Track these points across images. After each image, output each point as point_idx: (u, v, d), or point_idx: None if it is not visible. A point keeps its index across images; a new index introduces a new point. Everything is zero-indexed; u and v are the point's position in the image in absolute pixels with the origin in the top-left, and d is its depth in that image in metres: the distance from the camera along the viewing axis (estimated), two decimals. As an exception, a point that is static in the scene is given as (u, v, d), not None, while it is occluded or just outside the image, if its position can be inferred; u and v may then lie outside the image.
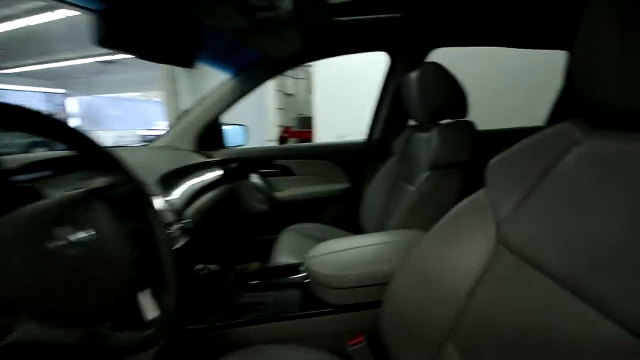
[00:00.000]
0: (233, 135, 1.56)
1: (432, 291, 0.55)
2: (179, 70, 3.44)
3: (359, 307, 0.73)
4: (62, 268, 0.38)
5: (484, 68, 2.17)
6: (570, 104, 1.55)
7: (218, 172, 1.33)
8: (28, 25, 4.87)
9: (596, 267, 0.34)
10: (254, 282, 0.90)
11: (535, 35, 1.45)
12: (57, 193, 0.46)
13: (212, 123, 1.42)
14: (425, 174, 1.00)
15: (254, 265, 1.52)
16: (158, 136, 1.41)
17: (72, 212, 0.43)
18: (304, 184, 1.61)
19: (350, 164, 1.62)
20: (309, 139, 4.60)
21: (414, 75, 1.06)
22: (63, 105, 10.18)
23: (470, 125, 1.02)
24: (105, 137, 9.21)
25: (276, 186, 1.59)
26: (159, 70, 3.95)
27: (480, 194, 0.55)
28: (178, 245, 0.73)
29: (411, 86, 1.09)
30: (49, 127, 0.42)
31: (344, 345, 0.72)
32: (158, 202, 0.76)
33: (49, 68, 7.90)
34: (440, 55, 1.33)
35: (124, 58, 6.66)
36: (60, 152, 0.61)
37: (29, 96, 9.33)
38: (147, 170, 0.87)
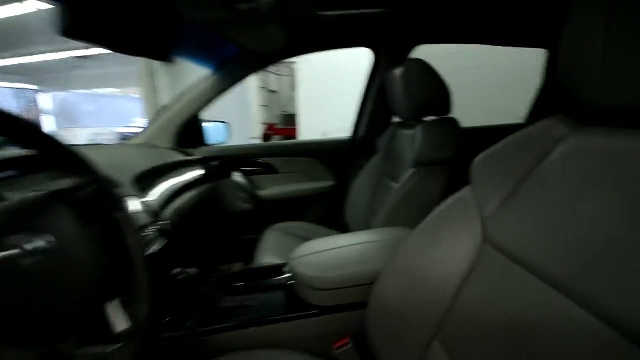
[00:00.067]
0: (214, 132, 1.52)
1: (419, 291, 0.55)
2: (158, 66, 3.33)
3: (345, 308, 0.72)
4: (16, 281, 0.34)
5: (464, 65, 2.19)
6: (549, 102, 1.58)
7: (199, 171, 1.28)
8: (-2, 18, 4.62)
9: (584, 264, 0.34)
10: (237, 284, 0.87)
11: (516, 33, 1.47)
12: (16, 196, 0.42)
13: (192, 120, 1.37)
14: (409, 172, 0.99)
15: (238, 266, 1.48)
16: (135, 134, 1.34)
17: (30, 217, 0.39)
18: (288, 182, 1.58)
19: (334, 162, 1.61)
20: (293, 137, 4.57)
21: (398, 72, 1.05)
22: (35, 101, 9.72)
23: (454, 122, 1.02)
24: (81, 135, 8.87)
25: (259, 185, 1.56)
26: (137, 65, 3.81)
27: (465, 191, 0.55)
28: (154, 249, 0.70)
29: (395, 83, 1.08)
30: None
31: (329, 347, 0.71)
32: (132, 204, 0.72)
33: (21, 63, 7.53)
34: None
35: (100, 53, 6.42)
36: (24, 152, 0.56)
37: (-2, 92, 8.86)
38: (122, 169, 0.82)
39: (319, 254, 0.77)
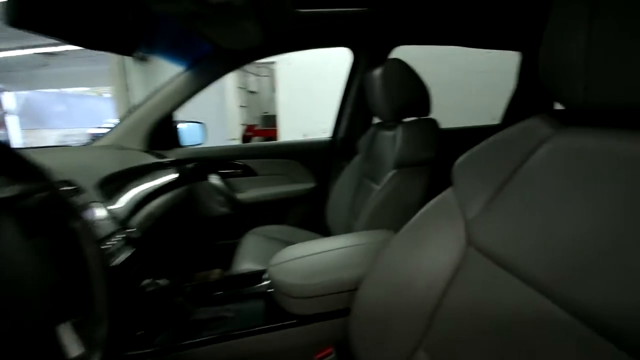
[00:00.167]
0: (189, 133, 1.45)
1: (402, 296, 0.53)
2: (130, 64, 3.19)
3: (327, 316, 0.69)
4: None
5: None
6: (524, 104, 1.63)
7: (172, 174, 1.22)
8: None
9: (570, 267, 0.33)
10: (212, 294, 0.82)
11: (491, 36, 1.50)
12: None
13: (164, 120, 1.30)
14: (390, 173, 0.98)
15: (216, 273, 1.42)
16: (102, 134, 1.26)
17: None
18: (268, 184, 1.54)
19: (315, 163, 1.58)
20: (273, 138, 4.52)
21: (377, 72, 1.04)
22: (-2, 101, 9.13)
23: (434, 122, 1.02)
24: (49, 137, 8.42)
25: (238, 187, 1.51)
26: (109, 63, 3.64)
27: (447, 193, 0.54)
28: (120, 259, 0.64)
29: (374, 83, 1.06)
30: None
31: (311, 358, 0.68)
32: (95, 210, 0.67)
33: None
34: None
35: (67, 50, 6.12)
36: None
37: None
38: (85, 173, 0.77)
39: (298, 259, 0.74)
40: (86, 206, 0.65)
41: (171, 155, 1.33)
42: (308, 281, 0.68)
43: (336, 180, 1.37)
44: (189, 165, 1.40)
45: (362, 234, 0.92)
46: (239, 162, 1.51)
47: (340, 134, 1.56)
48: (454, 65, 2.36)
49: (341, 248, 0.79)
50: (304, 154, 1.58)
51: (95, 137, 1.27)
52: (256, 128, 5.22)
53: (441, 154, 0.96)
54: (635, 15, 0.30)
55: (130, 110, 1.30)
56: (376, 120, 1.27)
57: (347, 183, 1.30)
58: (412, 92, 1.02)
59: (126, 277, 0.65)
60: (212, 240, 1.52)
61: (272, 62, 4.15)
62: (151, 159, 1.16)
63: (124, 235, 0.69)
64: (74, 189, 0.66)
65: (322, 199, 1.47)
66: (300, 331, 0.69)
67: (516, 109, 1.68)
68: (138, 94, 3.19)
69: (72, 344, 0.37)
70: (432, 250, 0.52)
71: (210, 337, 0.67)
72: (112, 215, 0.71)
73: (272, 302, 0.72)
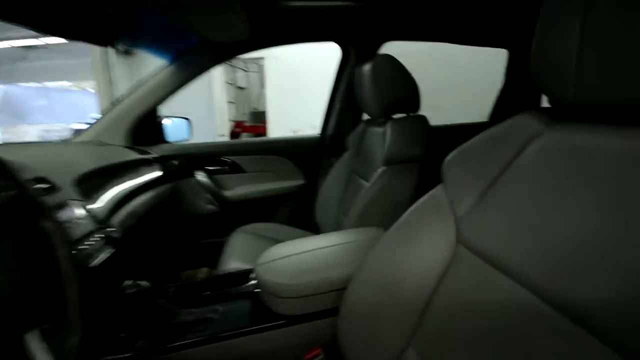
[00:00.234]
0: (174, 129, 1.41)
1: (392, 296, 0.53)
2: (113, 57, 3.10)
3: (315, 316, 0.68)
4: None
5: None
6: (512, 101, 1.64)
7: (156, 170, 1.18)
8: None
9: (561, 266, 0.33)
10: (198, 294, 0.80)
11: (480, 33, 1.51)
12: None
13: (148, 115, 1.26)
14: (380, 170, 0.97)
15: (203, 272, 1.40)
16: (81, 130, 1.21)
17: None
18: (256, 181, 1.51)
19: (304, 160, 1.56)
20: (263, 135, 4.48)
21: (366, 68, 1.03)
22: (-27, 95, 8.77)
23: (423, 119, 1.01)
24: (30, 132, 8.13)
25: (225, 184, 1.48)
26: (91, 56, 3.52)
27: (437, 191, 0.53)
28: (98, 260, 0.61)
29: (364, 79, 1.05)
30: None
31: (300, 359, 0.67)
32: (72, 209, 0.63)
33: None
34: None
35: (47, 43, 5.91)
36: None
37: None
38: (62, 169, 0.73)
39: (286, 258, 0.72)
40: (61, 205, 0.61)
41: (155, 152, 1.29)
42: (295, 281, 0.66)
43: (325, 177, 1.36)
44: (174, 162, 1.36)
45: (351, 232, 0.90)
46: (226, 158, 1.48)
47: (330, 130, 1.54)
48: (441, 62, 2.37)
49: (330, 246, 0.77)
50: (293, 150, 1.56)
51: (78, 133, 1.22)
52: (245, 124, 5.16)
53: (431, 150, 0.95)
54: (629, 11, 0.29)
55: (113, 104, 1.25)
56: (365, 116, 1.26)
57: (337, 180, 1.29)
58: (402, 88, 1.01)
59: (105, 278, 0.62)
60: (199, 238, 1.49)
61: (261, 58, 4.10)
62: (134, 155, 1.12)
63: (103, 235, 0.66)
64: (49, 186, 0.63)
65: (311, 196, 1.46)
66: (287, 332, 0.67)
67: (504, 107, 1.70)
68: (122, 89, 3.10)
69: (40, 354, 0.34)
70: (422, 248, 0.51)
71: (195, 339, 0.65)
72: (91, 214, 0.68)
73: (259, 303, 0.70)
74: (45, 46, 6.46)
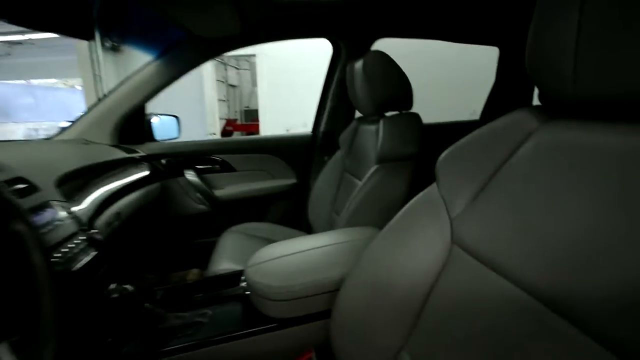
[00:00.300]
0: (163, 127, 1.38)
1: (385, 297, 0.51)
2: (101, 53, 3.02)
3: (307, 319, 0.66)
4: None
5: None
6: (503, 99, 1.65)
7: (143, 170, 1.15)
8: None
9: (556, 265, 0.32)
10: (187, 297, 0.77)
11: (471, 31, 1.51)
12: None
13: (134, 112, 1.22)
14: (373, 168, 0.96)
15: (193, 273, 1.37)
16: (64, 128, 1.17)
17: None
18: (247, 180, 1.49)
19: (296, 158, 1.54)
20: (255, 133, 4.45)
21: (358, 64, 1.01)
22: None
23: (416, 117, 1.00)
24: (16, 130, 7.94)
25: (215, 183, 1.45)
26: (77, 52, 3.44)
27: (431, 189, 0.52)
28: (81, 263, 0.59)
29: (356, 76, 1.03)
30: None
31: None
32: (53, 210, 0.61)
33: None
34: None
35: (31, 38, 5.77)
36: None
37: None
38: (43, 169, 0.70)
39: (277, 260, 0.70)
40: (41, 206, 0.58)
41: (143, 150, 1.26)
42: (287, 283, 0.64)
43: (318, 176, 1.34)
44: (163, 161, 1.33)
45: (344, 232, 0.89)
46: (217, 157, 1.45)
47: (322, 128, 1.52)
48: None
49: (322, 247, 0.76)
50: (284, 148, 1.54)
51: (63, 131, 1.17)
52: (237, 123, 5.11)
53: (424, 149, 0.94)
54: (626, 5, 0.28)
55: (96, 102, 1.21)
56: (358, 114, 1.25)
57: (329, 178, 1.27)
58: (395, 85, 0.99)
59: (88, 282, 0.60)
60: (189, 239, 1.46)
61: (253, 55, 4.06)
62: (119, 154, 1.09)
63: (85, 237, 0.63)
64: (27, 186, 0.60)
65: (304, 195, 1.44)
66: (279, 335, 0.66)
67: (495, 105, 1.70)
68: (110, 86, 3.04)
69: (9, 368, 0.32)
70: (416, 249, 0.50)
71: (184, 344, 0.62)
72: (73, 215, 0.65)
73: (250, 305, 0.68)
74: (31, 42, 6.31)
